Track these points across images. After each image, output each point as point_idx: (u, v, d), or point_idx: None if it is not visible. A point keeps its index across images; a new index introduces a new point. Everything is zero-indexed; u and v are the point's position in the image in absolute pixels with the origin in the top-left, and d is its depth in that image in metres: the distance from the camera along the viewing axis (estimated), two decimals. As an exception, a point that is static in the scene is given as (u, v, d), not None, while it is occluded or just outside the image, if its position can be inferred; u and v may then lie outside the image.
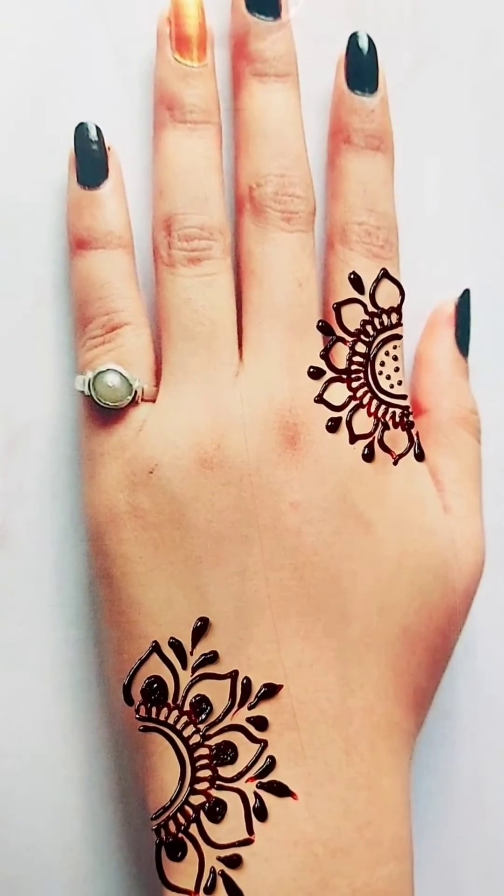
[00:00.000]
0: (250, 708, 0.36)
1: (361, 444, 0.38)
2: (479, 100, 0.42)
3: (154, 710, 0.36)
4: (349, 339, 0.38)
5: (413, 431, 0.39)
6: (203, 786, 0.36)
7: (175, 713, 0.36)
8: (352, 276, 0.38)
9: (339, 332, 0.38)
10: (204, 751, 0.36)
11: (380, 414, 0.38)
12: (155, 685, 0.36)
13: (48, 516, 0.39)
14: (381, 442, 0.38)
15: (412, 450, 0.39)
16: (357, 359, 0.38)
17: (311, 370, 0.37)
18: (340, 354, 0.38)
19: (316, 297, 0.38)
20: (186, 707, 0.36)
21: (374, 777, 0.37)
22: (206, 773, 0.36)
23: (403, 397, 0.39)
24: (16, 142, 0.38)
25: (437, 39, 0.41)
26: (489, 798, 0.40)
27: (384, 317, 0.38)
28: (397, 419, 0.38)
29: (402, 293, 0.39)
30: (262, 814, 0.35)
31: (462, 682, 0.38)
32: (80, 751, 0.39)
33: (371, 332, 0.38)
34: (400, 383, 0.39)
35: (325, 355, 0.38)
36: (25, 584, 0.39)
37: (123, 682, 0.36)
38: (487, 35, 0.42)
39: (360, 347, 0.38)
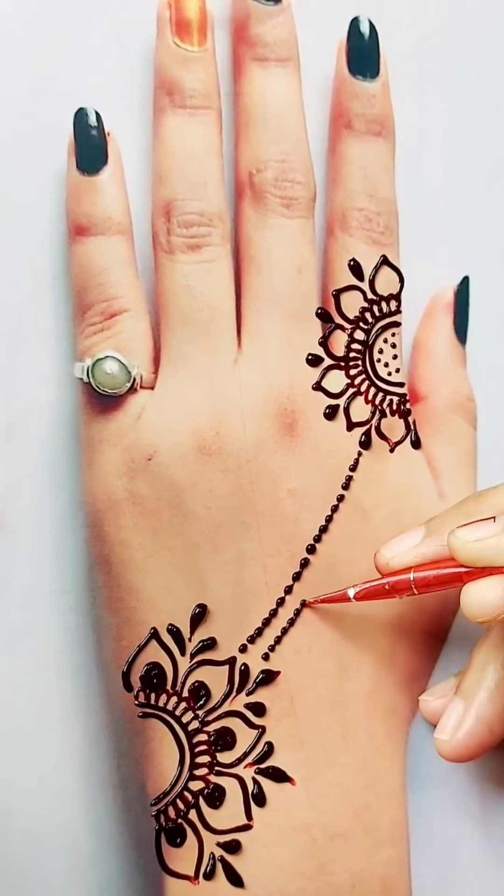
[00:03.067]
0: (248, 694, 0.36)
1: (359, 431, 0.38)
2: (480, 85, 0.42)
3: (153, 696, 0.36)
4: (348, 326, 0.38)
5: (410, 419, 0.39)
6: (202, 771, 0.36)
7: (174, 699, 0.36)
8: (351, 263, 0.38)
9: (338, 320, 0.38)
10: (203, 737, 0.36)
11: (377, 402, 0.38)
12: (154, 671, 0.36)
13: (47, 503, 0.39)
14: (378, 429, 0.38)
15: (409, 437, 0.39)
16: (355, 346, 0.38)
17: (310, 357, 0.37)
18: (339, 341, 0.38)
19: (315, 284, 0.38)
20: (185, 693, 0.36)
21: (371, 762, 0.37)
22: (205, 758, 0.36)
23: (401, 385, 0.39)
24: (15, 127, 0.38)
25: (437, 24, 0.41)
26: (484, 781, 0.41)
27: (383, 304, 0.38)
28: (394, 407, 0.38)
29: (401, 280, 0.39)
30: (260, 799, 0.36)
31: (457, 667, 0.39)
32: (79, 737, 0.39)
33: (370, 320, 0.38)
34: (398, 371, 0.39)
35: (324, 342, 0.38)
36: (24, 571, 0.38)
37: (122, 668, 0.36)
38: (487, 20, 0.42)
39: (359, 335, 0.38)
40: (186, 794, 0.36)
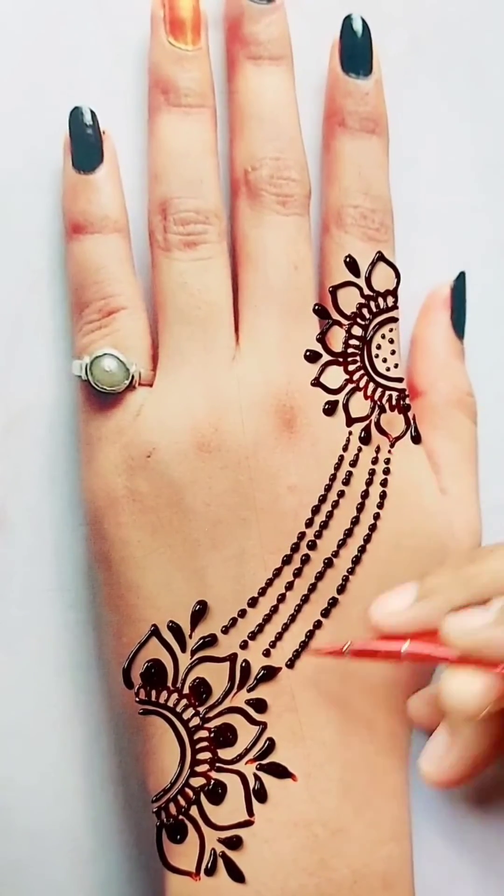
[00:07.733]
0: (249, 690, 0.36)
1: (358, 426, 0.38)
2: (474, 82, 0.42)
3: (154, 693, 0.36)
4: (345, 322, 0.38)
5: (409, 414, 0.39)
6: (203, 768, 0.36)
7: (175, 696, 0.36)
8: (347, 260, 0.38)
9: (336, 316, 0.38)
10: (203, 733, 0.36)
11: (376, 397, 0.38)
12: (154, 668, 0.36)
13: (46, 501, 0.39)
14: (377, 425, 0.38)
15: (408, 432, 0.39)
16: (353, 342, 0.38)
17: (308, 353, 0.37)
18: (337, 338, 0.38)
19: (312, 281, 0.38)
20: (186, 690, 0.36)
21: (372, 758, 0.37)
22: (206, 755, 0.36)
23: (400, 380, 0.39)
24: (11, 126, 0.38)
25: (431, 21, 0.41)
26: (486, 777, 0.40)
27: (380, 300, 0.39)
28: (394, 402, 0.38)
29: (397, 276, 0.39)
30: (261, 795, 0.36)
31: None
32: (79, 734, 0.39)
33: (367, 315, 0.38)
34: (396, 366, 0.39)
35: (322, 339, 0.38)
36: (24, 568, 0.39)
37: (123, 665, 0.36)
38: (481, 16, 0.42)
39: (357, 330, 0.38)
40: (187, 790, 0.36)
